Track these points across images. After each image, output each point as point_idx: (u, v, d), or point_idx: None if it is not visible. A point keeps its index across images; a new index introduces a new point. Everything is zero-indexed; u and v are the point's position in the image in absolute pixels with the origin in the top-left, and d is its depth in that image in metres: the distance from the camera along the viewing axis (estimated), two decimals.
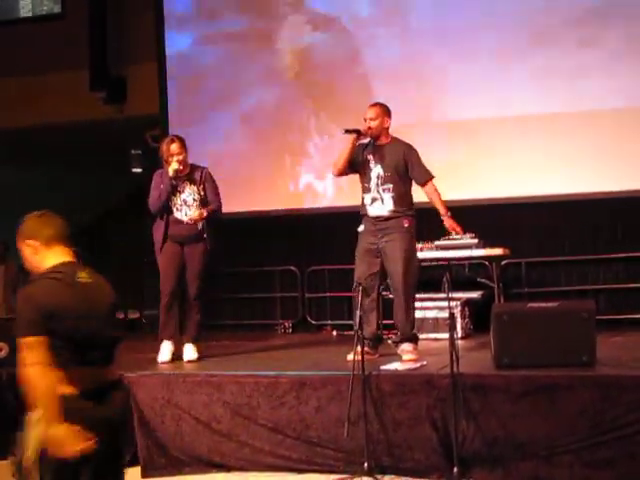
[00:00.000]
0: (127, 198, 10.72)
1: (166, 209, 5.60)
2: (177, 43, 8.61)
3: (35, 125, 9.58)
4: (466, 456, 4.34)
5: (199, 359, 5.66)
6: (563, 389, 4.29)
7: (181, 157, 5.56)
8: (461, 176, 7.21)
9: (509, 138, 7.32)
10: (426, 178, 5.39)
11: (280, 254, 8.15)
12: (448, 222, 5.42)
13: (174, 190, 5.58)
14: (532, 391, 4.34)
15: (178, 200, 5.60)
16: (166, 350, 5.68)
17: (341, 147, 5.44)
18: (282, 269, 8.18)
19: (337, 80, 7.92)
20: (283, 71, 8.17)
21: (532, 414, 4.31)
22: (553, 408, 4.28)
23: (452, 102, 7.47)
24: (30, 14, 10.16)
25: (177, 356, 5.70)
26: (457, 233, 5.59)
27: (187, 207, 5.60)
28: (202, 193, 5.64)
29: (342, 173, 5.50)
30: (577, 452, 4.20)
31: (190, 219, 5.57)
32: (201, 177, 5.66)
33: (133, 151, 10.31)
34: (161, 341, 5.71)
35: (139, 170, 10.32)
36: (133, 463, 4.99)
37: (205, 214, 5.59)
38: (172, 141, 5.61)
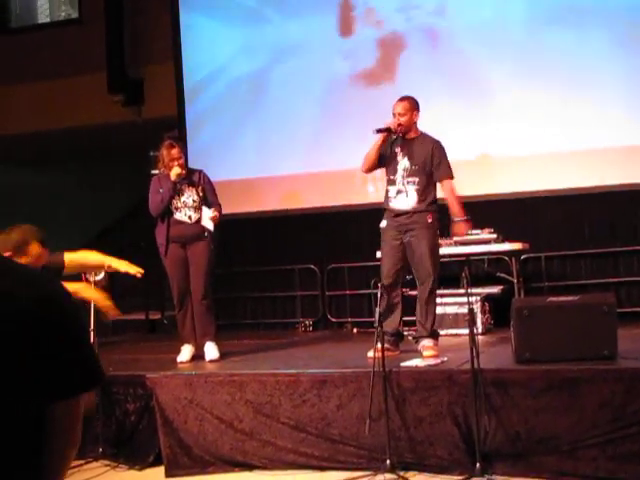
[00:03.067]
0: (147, 199, 10.78)
1: (167, 212, 5.71)
2: (194, 43, 8.65)
3: (54, 129, 9.67)
4: (488, 451, 4.33)
5: (221, 358, 5.68)
6: (585, 383, 4.27)
7: (182, 161, 5.70)
8: (479, 171, 7.19)
9: (527, 132, 7.28)
10: (445, 176, 5.37)
11: (300, 252, 8.17)
12: (456, 227, 5.40)
13: (175, 193, 5.69)
14: (553, 386, 4.33)
15: (179, 203, 5.71)
16: (186, 351, 5.74)
17: (371, 144, 5.43)
18: (302, 267, 8.20)
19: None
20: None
21: (554, 409, 4.29)
22: (575, 402, 4.26)
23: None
24: (48, 19, 10.27)
25: (197, 357, 5.73)
26: (459, 237, 5.57)
27: (187, 208, 5.72)
28: (201, 194, 5.75)
29: (372, 169, 5.52)
30: (601, 446, 4.17)
31: (212, 217, 5.64)
32: (199, 179, 5.79)
33: (152, 153, 10.35)
34: (182, 343, 5.79)
35: (158, 172, 10.37)
36: (157, 463, 5.05)
37: (218, 214, 5.69)
38: (172, 146, 5.72)
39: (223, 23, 8.50)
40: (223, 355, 5.76)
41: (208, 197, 5.78)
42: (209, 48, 8.57)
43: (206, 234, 5.72)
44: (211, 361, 5.63)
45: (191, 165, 6.12)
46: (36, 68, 9.59)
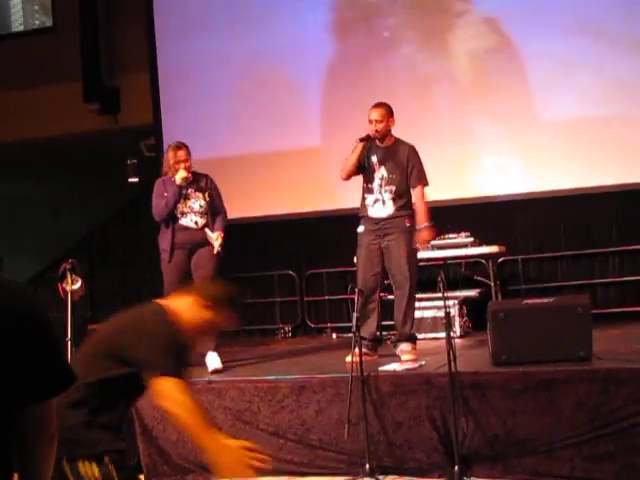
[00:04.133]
0: (124, 208, 10.74)
1: (171, 217, 5.54)
2: (169, 52, 8.65)
3: (30, 138, 9.61)
4: (467, 454, 4.36)
5: (224, 368, 5.51)
6: (561, 384, 4.31)
7: (188, 164, 5.51)
8: (454, 174, 7.23)
9: (501, 136, 7.34)
10: (419, 182, 5.40)
11: (278, 258, 8.18)
12: (423, 233, 5.36)
13: (181, 197, 5.54)
14: (530, 387, 4.37)
15: (185, 208, 5.55)
16: None
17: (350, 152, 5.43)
18: (280, 273, 8.21)
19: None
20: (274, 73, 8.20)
21: (531, 410, 4.34)
22: (552, 404, 4.31)
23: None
24: (22, 28, 10.21)
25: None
26: (422, 245, 5.53)
27: (194, 214, 5.55)
28: (208, 200, 5.60)
29: (350, 176, 5.53)
30: (577, 446, 4.22)
31: (217, 248, 5.50)
32: (206, 184, 5.64)
33: (129, 161, 10.33)
34: None
35: (135, 180, 10.35)
36: (136, 471, 5.02)
37: (222, 234, 5.56)
38: (179, 148, 5.54)
39: (198, 30, 8.49)
40: (202, 362, 5.72)
41: (215, 203, 5.63)
42: (184, 56, 8.56)
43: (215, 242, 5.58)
44: (214, 371, 5.43)
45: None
46: (10, 77, 9.53)
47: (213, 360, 5.53)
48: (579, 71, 7.05)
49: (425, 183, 5.43)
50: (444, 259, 6.79)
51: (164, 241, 5.57)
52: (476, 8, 7.57)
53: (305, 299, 8.14)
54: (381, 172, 5.39)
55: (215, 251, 5.52)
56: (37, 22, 10.17)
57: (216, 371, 5.44)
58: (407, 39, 7.76)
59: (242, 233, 8.06)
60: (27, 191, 12.08)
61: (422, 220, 5.35)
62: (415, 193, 5.41)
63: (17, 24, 10.19)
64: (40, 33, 9.82)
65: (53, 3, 9.77)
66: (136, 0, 8.93)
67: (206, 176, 5.69)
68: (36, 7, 10.27)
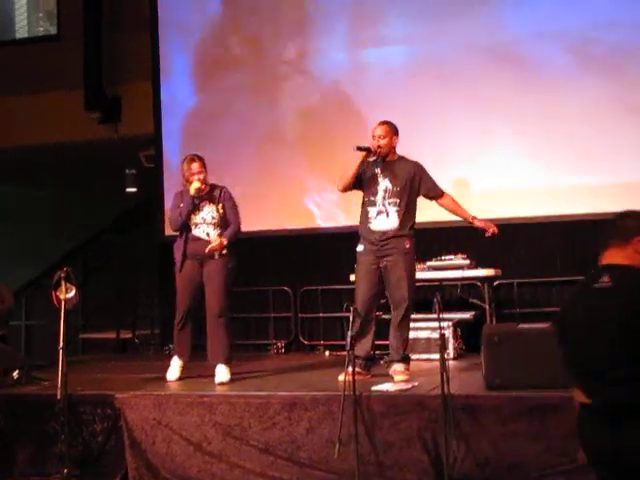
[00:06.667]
0: (121, 218, 10.73)
1: (185, 227, 5.64)
2: (172, 64, 8.67)
3: (30, 145, 9.61)
4: (457, 477, 4.34)
5: (230, 381, 5.56)
6: (554, 410, 4.29)
7: (202, 176, 5.62)
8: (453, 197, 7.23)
9: (500, 161, 7.35)
10: (441, 190, 5.52)
11: (273, 274, 8.15)
12: (481, 222, 5.53)
13: (194, 208, 5.63)
14: (523, 412, 4.35)
15: (197, 218, 5.65)
16: (175, 367, 5.72)
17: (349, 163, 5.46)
18: (275, 289, 8.18)
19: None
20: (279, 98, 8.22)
21: (523, 435, 4.32)
22: (544, 429, 4.29)
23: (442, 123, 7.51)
24: (26, 35, 10.23)
25: (187, 376, 5.71)
26: (493, 232, 5.55)
27: (206, 225, 5.66)
28: (221, 211, 5.68)
29: (348, 188, 5.53)
30: (568, 473, 4.19)
31: (210, 249, 5.57)
32: (220, 196, 5.72)
33: (128, 171, 10.33)
34: (172, 357, 5.77)
35: (134, 190, 10.35)
36: None
37: (225, 242, 5.62)
38: (193, 160, 5.66)
39: (201, 41, 8.52)
40: (190, 376, 5.72)
41: (228, 215, 5.70)
42: (187, 66, 8.58)
43: (224, 252, 5.64)
44: (221, 384, 5.49)
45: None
46: (13, 83, 9.54)
47: (221, 372, 5.59)
48: None
49: (441, 191, 5.55)
50: (440, 280, 6.77)
51: (178, 251, 5.69)
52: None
53: (299, 315, 8.12)
54: (385, 184, 5.39)
55: (206, 249, 5.56)
56: (41, 29, 10.20)
57: (223, 384, 5.50)
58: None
59: (238, 248, 8.04)
60: (23, 197, 12.06)
61: (469, 215, 5.53)
62: (445, 201, 5.54)
63: (22, 31, 10.22)
64: (44, 41, 9.85)
65: (58, 11, 9.80)
66: (140, 10, 8.98)
67: (222, 188, 5.78)
68: (41, 14, 10.30)
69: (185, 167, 5.66)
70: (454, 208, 5.52)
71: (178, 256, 5.67)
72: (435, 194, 5.48)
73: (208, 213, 5.66)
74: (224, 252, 5.64)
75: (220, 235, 5.63)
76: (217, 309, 5.61)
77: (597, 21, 7.11)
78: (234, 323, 8.26)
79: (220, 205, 5.68)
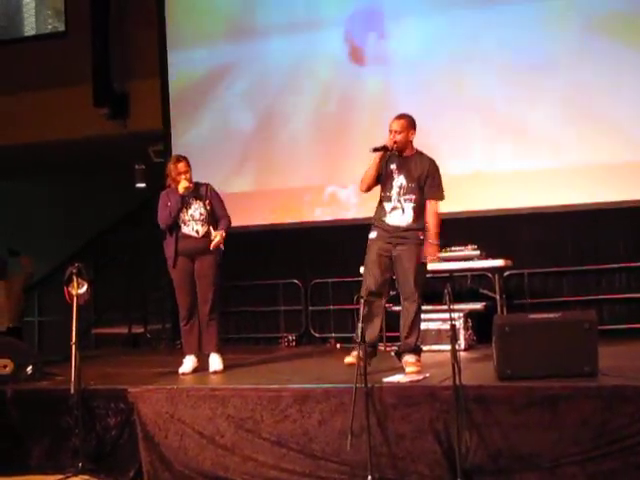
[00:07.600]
0: (131, 213, 10.77)
1: (175, 225, 5.78)
2: (180, 58, 8.67)
3: (40, 141, 9.66)
4: (469, 468, 4.33)
5: (225, 370, 5.76)
6: (565, 400, 4.28)
7: (188, 175, 5.78)
8: (463, 187, 7.21)
9: (511, 150, 7.34)
10: (434, 196, 5.33)
11: (283, 267, 8.17)
12: (430, 248, 5.30)
13: (182, 206, 5.76)
14: (535, 402, 4.34)
15: (186, 216, 5.79)
16: (189, 363, 5.82)
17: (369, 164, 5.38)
18: (285, 282, 8.20)
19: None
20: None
21: (535, 425, 4.31)
22: (556, 419, 4.28)
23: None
24: (34, 32, 10.27)
25: (200, 369, 5.82)
26: (431, 261, 5.40)
27: (194, 222, 5.80)
28: (208, 208, 5.83)
29: (370, 188, 5.46)
30: (581, 463, 4.19)
31: (215, 244, 5.75)
32: (206, 193, 5.87)
33: (137, 166, 10.37)
34: (184, 355, 5.88)
35: (143, 185, 10.38)
36: (137, 478, 5.02)
37: (224, 234, 5.80)
38: (179, 160, 5.83)
39: (210, 39, 8.52)
40: (204, 370, 5.77)
41: (216, 210, 5.87)
42: (195, 63, 8.58)
43: (222, 246, 5.83)
44: (215, 372, 5.72)
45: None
46: (22, 80, 9.58)
47: (215, 361, 5.80)
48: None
49: (440, 198, 5.35)
50: (450, 272, 6.77)
51: (169, 249, 5.83)
52: None
53: (310, 308, 8.13)
54: (400, 180, 5.33)
55: (212, 246, 5.73)
56: (50, 27, 10.23)
57: (216, 372, 5.72)
58: None
59: (248, 241, 8.07)
60: (33, 193, 12.12)
61: (433, 237, 5.30)
62: (430, 207, 5.32)
63: (30, 28, 10.25)
64: (52, 38, 9.88)
65: (66, 8, 9.83)
66: (148, 7, 8.98)
67: (206, 185, 5.93)
68: (49, 12, 10.33)
69: (172, 167, 5.81)
70: (430, 218, 5.31)
71: (169, 253, 5.80)
72: (427, 195, 5.35)
73: (196, 210, 5.80)
74: (222, 246, 5.82)
75: (214, 229, 5.80)
76: (210, 304, 5.78)
77: None
78: (244, 317, 8.38)
79: (207, 202, 5.83)
